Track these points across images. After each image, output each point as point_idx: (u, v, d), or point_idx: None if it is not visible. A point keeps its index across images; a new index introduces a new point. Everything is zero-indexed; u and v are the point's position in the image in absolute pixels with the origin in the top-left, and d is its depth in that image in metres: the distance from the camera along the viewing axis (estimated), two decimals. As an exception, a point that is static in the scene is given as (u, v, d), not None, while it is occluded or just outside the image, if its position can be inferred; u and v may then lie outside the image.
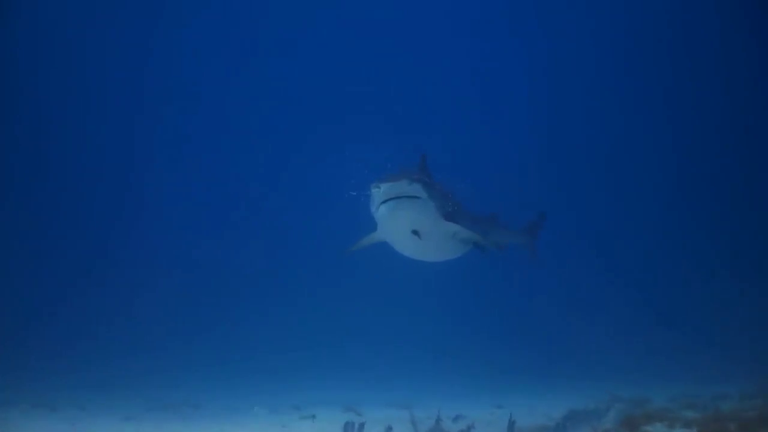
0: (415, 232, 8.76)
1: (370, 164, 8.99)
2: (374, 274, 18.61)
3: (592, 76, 35.89)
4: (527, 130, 36.95)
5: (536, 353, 21.38)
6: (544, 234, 12.74)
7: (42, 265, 31.37)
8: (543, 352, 21.56)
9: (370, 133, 31.29)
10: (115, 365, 20.12)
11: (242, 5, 35.35)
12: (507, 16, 35.52)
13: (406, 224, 8.69)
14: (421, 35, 36.39)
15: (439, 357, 21.24)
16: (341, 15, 35.82)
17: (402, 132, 32.20)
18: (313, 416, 11.79)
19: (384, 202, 8.30)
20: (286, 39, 37.09)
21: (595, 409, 10.18)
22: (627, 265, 30.54)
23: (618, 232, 32.63)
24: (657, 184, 34.25)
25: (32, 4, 31.91)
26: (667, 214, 32.83)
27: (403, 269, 11.28)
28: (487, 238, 9.88)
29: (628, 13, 33.66)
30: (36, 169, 34.64)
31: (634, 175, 35.04)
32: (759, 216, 29.79)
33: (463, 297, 26.73)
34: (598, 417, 9.86)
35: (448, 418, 10.42)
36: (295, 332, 25.67)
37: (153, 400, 14.10)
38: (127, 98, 35.95)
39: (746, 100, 32.08)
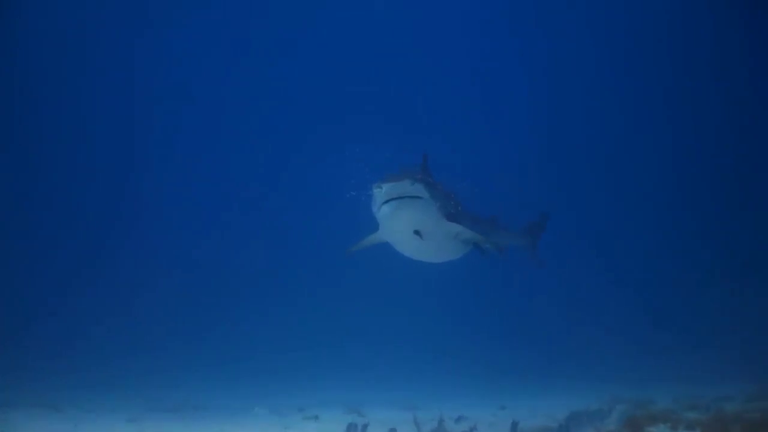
0: (417, 233, 8.71)
1: (371, 164, 8.97)
2: (376, 275, 18.56)
3: (593, 76, 35.84)
4: (528, 131, 36.94)
5: (538, 354, 21.43)
6: (546, 234, 12.54)
7: (43, 265, 31.37)
8: (545, 352, 21.60)
9: (371, 133, 31.37)
10: (118, 366, 20.15)
11: (244, 4, 35.30)
12: (508, 15, 35.45)
13: (408, 224, 8.63)
14: (423, 35, 36.37)
15: (442, 357, 21.27)
16: (342, 14, 35.75)
17: (403, 132, 32.14)
18: (317, 417, 11.78)
19: (386, 202, 8.26)
20: (287, 39, 37.05)
21: (598, 410, 10.15)
22: (629, 265, 30.54)
23: (620, 233, 32.63)
24: (659, 183, 34.24)
25: (32, 4, 31.87)
26: (669, 213, 32.80)
27: (405, 270, 11.25)
28: (488, 239, 9.84)
29: (629, 13, 33.59)
30: (36, 169, 34.60)
31: (637, 175, 34.99)
32: (760, 216, 29.87)
33: (465, 297, 26.71)
34: (601, 418, 9.86)
35: (450, 418, 10.39)
36: (296, 333, 25.70)
37: (155, 401, 14.11)
38: (127, 98, 35.92)
39: (746, 102, 32.09)
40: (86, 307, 27.89)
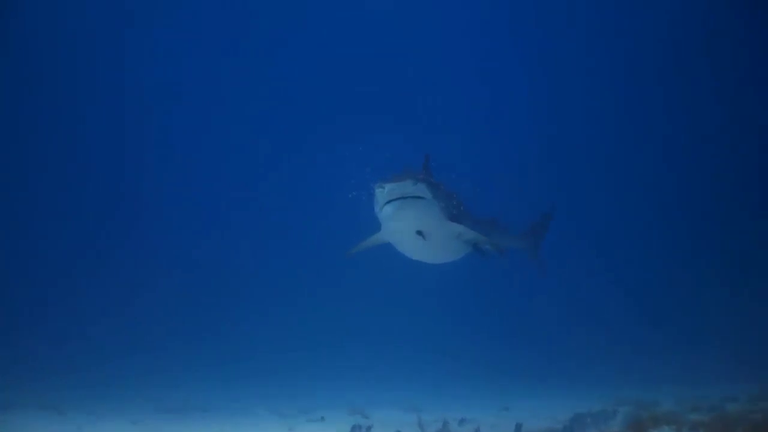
0: (419, 233, 8.72)
1: (372, 164, 8.98)
2: (378, 275, 18.57)
3: (594, 77, 35.85)
4: (528, 131, 36.90)
5: (541, 355, 21.38)
6: (549, 235, 12.36)
7: (44, 264, 31.46)
8: (548, 353, 21.55)
9: (373, 133, 31.42)
10: (120, 366, 20.16)
11: (246, 3, 35.38)
12: (510, 14, 35.47)
13: (410, 225, 8.64)
14: (424, 35, 36.40)
15: (444, 358, 21.24)
16: (343, 14, 35.75)
17: (405, 132, 32.14)
18: (322, 418, 11.79)
19: (388, 202, 8.26)
20: (288, 38, 37.07)
21: (601, 412, 10.11)
22: (632, 265, 30.49)
23: (622, 233, 32.64)
24: (661, 183, 34.25)
25: (31, 4, 32.00)
26: (670, 214, 32.85)
27: (407, 270, 11.25)
28: (490, 240, 9.83)
29: (630, 13, 33.57)
30: (36, 169, 34.70)
31: (640, 175, 34.94)
32: (762, 215, 29.94)
33: (468, 298, 26.67)
34: (605, 420, 9.82)
35: (454, 420, 10.37)
36: (298, 333, 25.71)
37: (159, 402, 14.11)
38: (127, 97, 36.02)
39: (744, 104, 32.09)
40: (87, 306, 27.94)
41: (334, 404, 13.75)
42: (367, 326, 25.13)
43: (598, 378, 16.67)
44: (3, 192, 32.60)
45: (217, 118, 37.66)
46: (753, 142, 32.19)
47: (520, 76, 37.35)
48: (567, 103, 36.48)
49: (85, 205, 35.30)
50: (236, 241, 34.82)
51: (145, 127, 36.44)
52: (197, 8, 34.83)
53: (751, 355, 16.07)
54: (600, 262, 30.52)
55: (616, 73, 35.78)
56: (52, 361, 20.63)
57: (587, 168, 35.17)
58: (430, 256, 10.03)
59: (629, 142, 35.49)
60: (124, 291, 29.43)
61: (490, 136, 36.89)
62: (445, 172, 9.60)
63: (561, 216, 12.84)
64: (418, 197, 8.22)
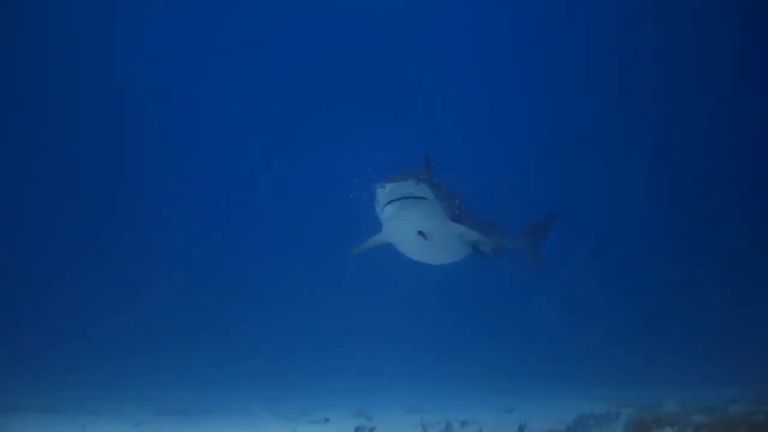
0: (421, 234, 8.67)
1: (373, 164, 8.96)
2: (379, 276, 18.57)
3: (594, 78, 35.84)
4: (528, 132, 36.84)
5: (544, 356, 21.34)
6: (551, 235, 12.27)
7: (45, 264, 31.50)
8: (551, 355, 21.50)
9: (373, 133, 31.49)
10: (121, 367, 20.19)
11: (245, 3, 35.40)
12: (510, 15, 35.45)
13: (412, 225, 8.60)
14: (424, 35, 36.37)
15: (446, 359, 21.22)
16: (344, 14, 35.70)
17: (405, 132, 32.14)
18: (326, 419, 11.76)
19: (389, 202, 8.22)
20: (289, 38, 37.05)
21: (604, 414, 10.07)
22: (635, 267, 30.44)
23: (625, 234, 32.60)
24: (663, 184, 34.22)
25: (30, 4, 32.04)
26: (674, 216, 32.80)
27: (409, 271, 11.23)
28: (491, 241, 9.80)
29: (631, 14, 33.53)
30: (36, 170, 34.73)
31: (642, 176, 34.92)
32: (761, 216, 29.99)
33: (470, 299, 26.64)
34: (608, 421, 9.78)
35: (456, 421, 10.32)
36: (300, 335, 25.71)
37: (161, 404, 14.10)
38: (127, 96, 35.94)
39: (740, 107, 32.12)
40: (87, 306, 27.98)
41: (337, 406, 13.72)
42: (370, 327, 25.12)
43: (600, 379, 16.61)
44: (2, 192, 32.65)
45: (218, 117, 37.64)
46: (751, 145, 32.18)
47: (520, 76, 37.29)
48: (566, 103, 36.43)
49: (84, 205, 35.33)
50: (237, 241, 34.90)
51: (146, 127, 36.44)
52: (198, 8, 34.79)
53: (755, 356, 16.02)
54: (603, 264, 30.52)
55: (616, 74, 35.74)
56: (53, 362, 20.64)
57: (588, 169, 35.08)
58: (432, 256, 10.00)
59: (629, 143, 35.46)
60: (125, 291, 29.48)
61: (489, 137, 36.86)
62: (446, 172, 9.57)
63: (565, 217, 12.76)
64: (420, 197, 8.18)
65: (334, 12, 35.40)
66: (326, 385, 18.23)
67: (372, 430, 9.49)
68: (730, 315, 22.46)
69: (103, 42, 34.62)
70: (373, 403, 13.92)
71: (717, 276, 27.24)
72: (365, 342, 23.70)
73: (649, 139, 35.25)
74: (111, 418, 12.15)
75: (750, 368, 14.79)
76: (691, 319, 23.90)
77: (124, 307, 28.17)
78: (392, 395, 15.82)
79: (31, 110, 34.36)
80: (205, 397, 15.71)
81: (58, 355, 21.87)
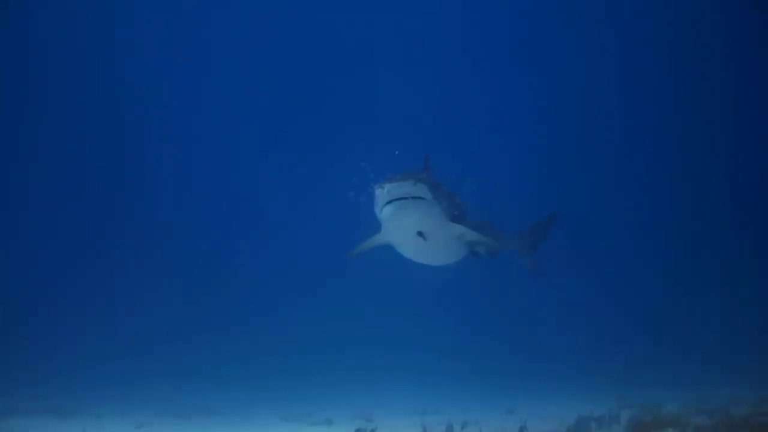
0: (420, 234, 8.65)
1: (373, 164, 8.94)
2: (380, 277, 18.54)
3: (594, 79, 35.80)
4: (528, 131, 36.76)
5: (546, 358, 21.29)
6: (550, 236, 12.08)
7: (46, 265, 31.61)
8: (552, 356, 21.45)
9: (373, 133, 31.56)
10: (122, 368, 20.24)
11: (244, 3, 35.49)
12: (510, 15, 35.50)
13: (410, 225, 8.56)
14: (424, 34, 36.40)
15: (449, 361, 21.22)
16: (344, 13, 35.72)
17: (404, 132, 32.16)
18: (329, 421, 11.77)
19: (388, 203, 8.20)
20: (288, 37, 37.05)
21: (605, 415, 10.05)
22: (637, 269, 30.40)
23: (625, 235, 32.60)
24: (664, 186, 34.27)
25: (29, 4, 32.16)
26: (675, 218, 32.81)
27: (411, 272, 11.19)
28: (492, 241, 9.77)
29: (629, 15, 33.54)
30: (35, 171, 34.77)
31: (643, 177, 34.93)
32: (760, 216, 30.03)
33: (472, 301, 26.59)
34: (609, 422, 9.78)
35: (457, 422, 10.31)
36: (302, 336, 25.69)
37: (163, 406, 14.14)
38: (127, 96, 35.82)
39: (745, 110, 32.16)
40: (89, 307, 28.06)
41: (339, 407, 13.73)
42: (370, 328, 25.07)
43: (601, 380, 16.58)
44: (2, 192, 32.79)
45: (217, 117, 37.61)
46: (750, 145, 32.23)
47: (519, 76, 37.24)
48: (565, 104, 36.39)
49: (84, 205, 35.34)
50: (239, 242, 34.98)
51: (145, 127, 36.37)
52: (197, 8, 34.84)
53: (756, 357, 15.98)
54: (603, 265, 30.45)
55: (614, 75, 35.72)
56: (54, 364, 20.71)
57: (588, 170, 35.01)
58: (431, 257, 9.93)
59: (629, 143, 35.48)
60: (126, 292, 29.49)
61: (489, 136, 36.82)
62: (445, 173, 9.53)
63: (565, 219, 12.68)
64: (419, 198, 8.15)
65: (334, 10, 35.43)
66: (327, 387, 18.26)
67: (373, 432, 9.50)
68: (731, 315, 22.41)
69: (102, 41, 34.64)
70: (374, 404, 13.90)
71: (717, 276, 27.22)
72: (365, 343, 23.67)
73: (649, 140, 35.26)
74: (112, 420, 12.20)
75: (751, 369, 14.74)
76: (692, 320, 23.86)
77: (125, 309, 28.21)
78: (393, 396, 15.82)
79: (31, 110, 34.43)
80: (207, 399, 15.73)
81: (59, 356, 21.93)
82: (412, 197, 8.15)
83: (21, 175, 34.09)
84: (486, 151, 34.66)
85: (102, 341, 24.10)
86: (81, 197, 35.65)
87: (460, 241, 9.40)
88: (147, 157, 36.56)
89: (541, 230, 11.65)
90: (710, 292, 25.91)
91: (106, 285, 30.15)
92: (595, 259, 30.85)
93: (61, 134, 35.50)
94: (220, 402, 15.23)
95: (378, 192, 8.30)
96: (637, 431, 8.57)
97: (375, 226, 9.06)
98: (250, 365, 21.88)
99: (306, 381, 19.34)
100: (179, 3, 34.44)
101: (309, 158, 36.45)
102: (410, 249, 9.51)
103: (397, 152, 10.02)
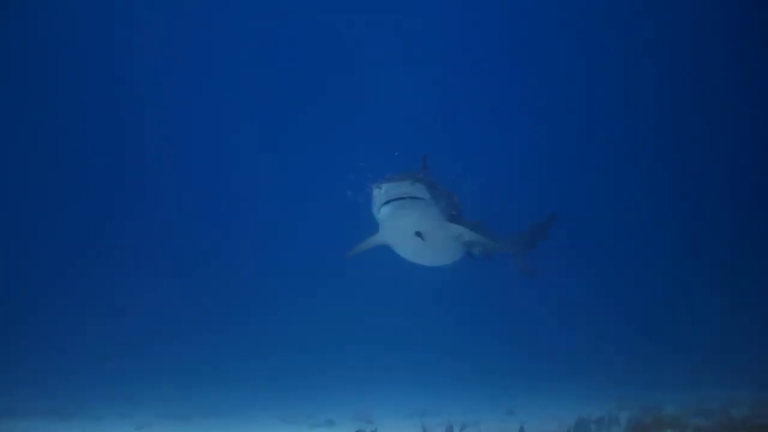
0: (418, 234, 8.60)
1: (371, 164, 8.91)
2: (381, 278, 18.51)
3: (594, 79, 35.78)
4: (527, 132, 36.69)
5: (546, 358, 21.28)
6: (548, 236, 11.97)
7: (47, 265, 31.60)
8: (552, 357, 21.43)
9: (373, 133, 31.53)
10: (122, 369, 20.23)
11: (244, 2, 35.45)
12: (510, 15, 35.48)
13: (408, 226, 8.52)
14: (424, 34, 36.35)
15: (449, 362, 21.20)
16: (344, 13, 35.69)
17: (403, 132, 32.14)
18: (331, 422, 11.78)
19: (386, 203, 8.16)
20: (288, 37, 37.02)
21: (605, 416, 10.04)
22: (637, 270, 30.38)
23: (625, 235, 32.57)
24: (664, 187, 34.29)
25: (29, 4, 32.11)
26: (674, 218, 32.80)
27: (411, 273, 11.15)
28: (488, 243, 9.73)
29: (631, 15, 33.52)
30: (35, 172, 34.74)
31: (643, 178, 34.94)
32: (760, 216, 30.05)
33: (472, 302, 26.54)
34: (609, 423, 9.78)
35: (457, 423, 10.30)
36: (302, 338, 25.66)
37: (163, 408, 14.13)
38: (126, 96, 35.72)
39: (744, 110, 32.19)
40: (90, 307, 28.05)
41: (339, 408, 13.72)
42: (370, 329, 25.05)
43: (600, 381, 16.57)
44: (2, 193, 32.78)
45: (218, 117, 37.55)
46: (749, 146, 32.26)
47: (519, 76, 37.18)
48: (565, 104, 36.34)
49: (84, 205, 35.32)
50: (239, 243, 34.98)
51: (146, 127, 36.28)
52: (196, 8, 34.81)
53: (756, 359, 15.96)
54: (603, 266, 30.44)
55: (614, 75, 35.69)
56: (54, 365, 20.71)
57: (590, 171, 34.97)
58: (429, 257, 9.89)
59: (628, 143, 35.46)
60: (127, 293, 29.47)
61: (488, 136, 36.77)
62: (444, 172, 9.48)
63: (565, 219, 12.62)
64: (416, 198, 8.11)
65: (334, 10, 35.38)
66: (327, 388, 18.26)
67: (373, 433, 9.50)
68: (730, 316, 22.39)
69: (102, 41, 34.59)
70: (375, 405, 13.88)
71: (717, 277, 27.20)
72: (365, 343, 23.66)
73: (649, 140, 35.25)
74: (112, 422, 12.21)
75: (750, 370, 14.72)
76: (691, 321, 23.85)
77: (125, 309, 28.22)
78: (393, 397, 15.82)
79: (30, 110, 34.37)
80: (207, 400, 15.74)
81: (59, 357, 21.94)
82: (410, 197, 8.10)
83: (21, 175, 34.08)
84: (486, 151, 34.63)
85: (102, 342, 24.10)
86: (81, 197, 35.64)
87: (458, 242, 9.36)
88: (147, 157, 36.52)
89: (538, 231, 11.53)
90: (710, 293, 25.88)
91: (106, 285, 30.14)
92: (595, 259, 30.84)
93: (61, 134, 35.44)
94: (219, 403, 15.24)
95: (375, 192, 8.25)
96: (637, 432, 8.57)
97: (373, 226, 9.03)
98: (250, 365, 21.89)
99: (306, 381, 19.34)
100: (179, 3, 34.40)
101: (309, 158, 36.40)
102: (408, 249, 9.46)
103: (396, 153, 9.97)
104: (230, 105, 37.32)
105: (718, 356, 18.11)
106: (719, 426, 8.53)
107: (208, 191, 37.38)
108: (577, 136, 36.00)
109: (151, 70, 35.64)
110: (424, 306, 24.91)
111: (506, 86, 37.03)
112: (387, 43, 36.13)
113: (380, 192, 8.13)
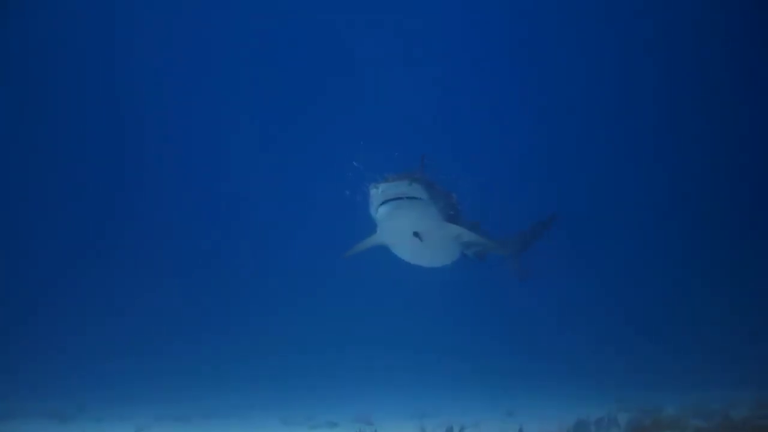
0: (416, 235, 8.56)
1: (369, 164, 8.87)
2: (381, 278, 18.48)
3: (594, 79, 35.76)
4: (528, 132, 36.65)
5: (545, 360, 21.26)
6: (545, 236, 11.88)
7: (47, 266, 31.59)
8: (552, 358, 21.40)
9: (372, 133, 31.52)
10: (123, 373, 20.21)
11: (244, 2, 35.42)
12: (510, 15, 35.46)
13: (406, 226, 8.48)
14: (424, 34, 36.33)
15: (449, 363, 21.18)
16: (344, 13, 35.63)
17: (404, 132, 32.12)
18: (334, 424, 11.77)
19: (383, 203, 8.13)
20: (288, 37, 36.99)
21: (604, 417, 10.02)
22: (637, 271, 30.34)
23: (627, 238, 32.51)
24: (664, 187, 34.26)
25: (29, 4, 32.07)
26: (674, 219, 32.79)
27: (411, 272, 11.12)
28: (486, 243, 9.69)
29: (631, 15, 33.50)
30: (35, 173, 34.75)
31: (644, 179, 34.92)
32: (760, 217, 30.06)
33: (472, 303, 26.52)
34: (608, 425, 9.76)
35: (457, 424, 10.29)
36: (302, 339, 25.64)
37: (163, 409, 14.11)
38: (126, 97, 35.58)
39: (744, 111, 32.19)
40: (90, 308, 28.04)
41: (338, 410, 13.71)
42: (370, 329, 25.03)
43: (600, 383, 16.54)
44: (2, 193, 32.77)
45: (218, 117, 37.52)
46: (749, 147, 32.27)
47: (519, 76, 37.13)
48: (565, 104, 36.31)
49: (84, 206, 35.28)
50: (238, 244, 34.98)
51: (146, 127, 36.21)
52: (195, 8, 34.77)
53: (755, 360, 15.93)
54: (603, 268, 30.41)
55: (614, 75, 35.67)
56: (54, 366, 20.70)
57: (590, 171, 34.93)
58: (427, 258, 9.84)
59: (628, 143, 35.45)
60: (127, 294, 29.45)
61: (488, 136, 36.75)
62: (442, 173, 9.43)
63: (565, 219, 12.56)
64: (414, 198, 8.07)
65: (333, 9, 35.33)
66: (327, 389, 18.25)
67: (373, 435, 9.49)
68: (730, 317, 22.35)
69: (102, 41, 34.56)
70: (374, 407, 13.87)
71: (717, 278, 27.17)
72: (365, 343, 23.66)
73: (649, 140, 35.24)
74: (112, 423, 12.20)
75: (750, 372, 14.70)
76: (691, 322, 23.81)
77: (125, 310, 28.21)
78: (393, 398, 15.81)
79: (31, 110, 34.35)
80: (206, 401, 15.72)
81: (59, 359, 21.93)
82: (408, 197, 8.07)
83: (21, 175, 34.08)
84: (486, 151, 34.64)
85: (102, 342, 24.10)
86: (81, 197, 35.62)
87: (456, 242, 9.33)
88: (147, 157, 36.50)
89: (536, 232, 11.36)
90: (710, 294, 25.85)
91: (106, 285, 30.13)
92: (595, 259, 30.81)
93: (61, 134, 35.43)
94: (219, 404, 15.22)
95: (373, 192, 8.21)
96: (636, 434, 8.55)
97: (371, 226, 9.00)
98: (249, 366, 21.89)
99: (305, 382, 19.32)
100: (179, 3, 34.38)
101: (309, 158, 36.39)
102: (406, 250, 9.42)
103: (396, 153, 9.93)
104: (230, 105, 37.32)
105: (718, 356, 18.09)
106: (719, 427, 8.51)
107: (208, 191, 37.37)
108: (577, 136, 35.97)
109: (151, 70, 35.61)
110: (423, 306, 24.89)
111: (506, 86, 37.00)
112: (387, 43, 36.10)
113: (377, 192, 8.09)
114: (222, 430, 11.80)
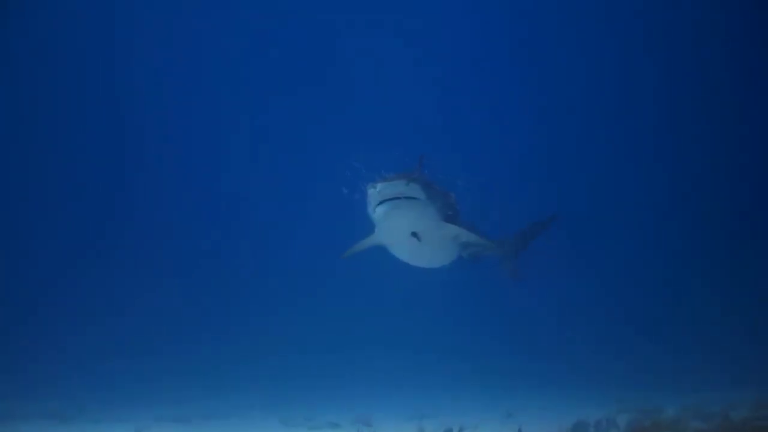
0: (414, 235, 8.54)
1: (367, 164, 8.86)
2: (380, 279, 18.45)
3: (594, 79, 35.73)
4: (528, 132, 36.60)
5: (545, 361, 21.22)
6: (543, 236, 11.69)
7: (47, 266, 31.56)
8: (552, 359, 21.37)
9: (372, 133, 31.50)
10: (123, 373, 20.20)
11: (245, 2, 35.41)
12: (510, 16, 35.43)
13: (404, 226, 8.45)
14: (421, 34, 36.28)
15: (449, 364, 21.15)
16: (344, 13, 35.60)
17: (404, 132, 32.12)
18: (336, 425, 11.78)
19: (381, 203, 8.10)
20: (288, 37, 36.94)
21: (603, 419, 10.00)
22: (636, 272, 30.29)
23: (626, 238, 32.44)
24: (663, 187, 34.22)
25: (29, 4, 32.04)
26: (673, 219, 32.75)
27: (411, 272, 11.10)
28: (484, 244, 9.67)
29: (631, 15, 33.46)
30: (35, 173, 34.72)
31: (643, 179, 34.88)
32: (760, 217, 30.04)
33: (471, 303, 26.47)
34: (608, 426, 9.73)
35: (456, 425, 10.27)
36: (302, 340, 25.63)
37: (162, 410, 14.10)
38: (126, 96, 35.63)
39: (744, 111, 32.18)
40: (90, 308, 28.01)
41: (338, 410, 13.70)
42: (370, 329, 25.01)
43: (599, 384, 16.52)
44: (1, 192, 32.74)
45: (218, 117, 37.48)
46: (748, 147, 32.25)
47: (519, 76, 37.09)
48: (565, 104, 36.26)
49: (84, 206, 35.29)
50: (238, 244, 34.97)
51: (146, 127, 36.19)
52: (194, 8, 34.75)
53: (756, 361, 15.91)
54: (603, 268, 30.37)
55: (614, 75, 35.64)
56: (54, 367, 20.68)
57: (590, 171, 34.88)
58: (425, 258, 9.83)
59: (628, 143, 35.41)
60: (127, 294, 29.43)
61: (488, 136, 36.70)
62: (441, 173, 9.41)
63: (565, 219, 12.55)
64: (412, 198, 8.05)
65: (333, 9, 35.29)
66: (327, 389, 18.24)
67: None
68: (730, 318, 22.32)
69: (102, 41, 34.54)
70: (373, 409, 13.86)
71: (717, 278, 27.13)
72: (365, 343, 23.62)
73: (649, 140, 35.20)
74: (112, 425, 12.19)
75: (750, 372, 14.67)
76: (691, 323, 23.78)
77: (125, 310, 28.18)
78: (392, 399, 15.80)
79: (30, 110, 34.32)
80: (206, 402, 15.70)
81: (59, 359, 21.91)
82: (405, 197, 8.05)
83: (21, 175, 34.06)
84: (486, 151, 34.60)
85: (102, 343, 24.07)
86: (81, 197, 35.61)
87: (454, 242, 9.30)
88: (147, 157, 36.47)
89: (533, 233, 11.28)
90: (710, 294, 25.81)
91: (106, 285, 30.11)
92: (595, 259, 30.77)
93: (61, 134, 35.41)
94: (219, 405, 15.21)
95: (371, 192, 8.20)
96: (636, 435, 8.52)
97: (370, 226, 8.98)
98: (249, 366, 21.86)
99: (305, 382, 19.33)
100: (178, 3, 34.36)
101: (308, 158, 36.34)
102: (404, 250, 9.40)
103: (396, 154, 9.92)
104: (230, 105, 37.30)
105: (718, 356, 18.07)
106: (719, 429, 8.48)
107: (208, 191, 37.36)
108: (577, 136, 35.92)
109: (151, 70, 35.64)
110: (423, 307, 24.87)
111: (506, 86, 36.98)
112: (387, 43, 36.06)
113: (375, 191, 8.08)
114: (222, 430, 11.80)
